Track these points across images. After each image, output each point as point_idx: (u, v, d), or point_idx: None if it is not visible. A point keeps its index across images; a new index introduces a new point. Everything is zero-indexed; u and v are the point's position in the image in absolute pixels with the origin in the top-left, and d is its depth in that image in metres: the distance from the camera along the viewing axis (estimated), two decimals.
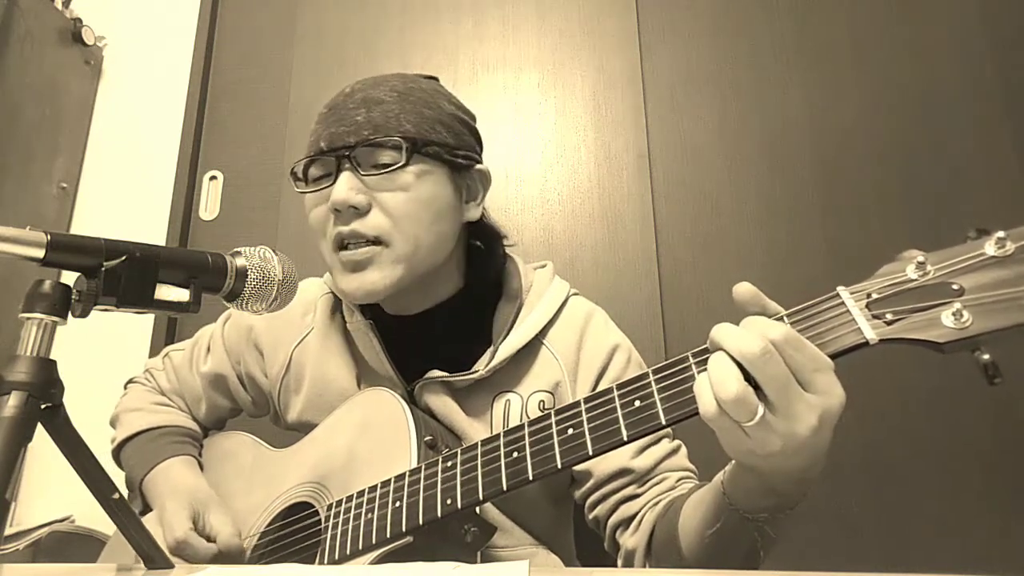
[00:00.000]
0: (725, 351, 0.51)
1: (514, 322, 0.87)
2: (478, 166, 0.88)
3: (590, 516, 0.83)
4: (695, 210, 1.67)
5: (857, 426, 1.47)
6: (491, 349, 0.85)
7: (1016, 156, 1.57)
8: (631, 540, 0.76)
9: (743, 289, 0.55)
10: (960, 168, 1.58)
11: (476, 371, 0.83)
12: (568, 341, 0.87)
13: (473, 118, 0.91)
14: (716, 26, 1.78)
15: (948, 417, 1.46)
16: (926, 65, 1.66)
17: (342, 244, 0.80)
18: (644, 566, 0.75)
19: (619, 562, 0.79)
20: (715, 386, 0.50)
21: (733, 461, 0.61)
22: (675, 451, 0.82)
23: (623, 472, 0.79)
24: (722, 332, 0.52)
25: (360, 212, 0.79)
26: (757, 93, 1.71)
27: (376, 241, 0.79)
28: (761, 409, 0.50)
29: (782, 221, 1.62)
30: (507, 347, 0.84)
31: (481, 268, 0.92)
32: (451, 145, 0.83)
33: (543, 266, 0.95)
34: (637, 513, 0.77)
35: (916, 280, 0.51)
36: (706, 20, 1.78)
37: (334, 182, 0.79)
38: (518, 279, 0.91)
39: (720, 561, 0.65)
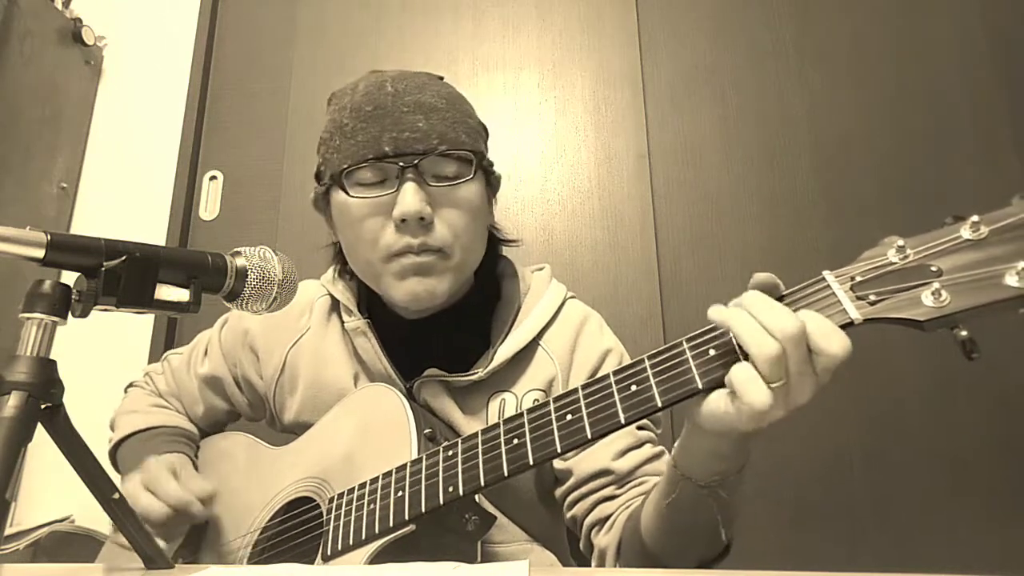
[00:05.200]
0: (769, 329, 0.52)
1: (512, 324, 0.88)
2: (496, 172, 0.91)
3: (568, 515, 0.83)
4: (695, 210, 1.67)
5: (857, 427, 1.47)
6: (490, 351, 0.86)
7: (1016, 156, 1.57)
8: (604, 539, 0.78)
9: (760, 278, 0.58)
10: (960, 168, 1.58)
11: (475, 373, 0.84)
12: (564, 343, 0.88)
13: None
14: (716, 26, 1.78)
15: (948, 418, 1.46)
16: (926, 65, 1.66)
17: (400, 252, 0.80)
18: (615, 565, 0.76)
19: (593, 562, 0.80)
20: (755, 346, 0.52)
21: (682, 434, 0.63)
22: (656, 456, 0.82)
23: (603, 473, 0.80)
24: (757, 305, 0.54)
25: (424, 223, 0.79)
26: (757, 93, 1.71)
27: (439, 251, 0.80)
28: (785, 377, 0.53)
29: (782, 221, 1.62)
30: (505, 350, 0.85)
31: (487, 270, 0.92)
32: (485, 154, 0.87)
33: (540, 269, 0.97)
34: (613, 514, 0.78)
35: (897, 263, 0.53)
36: (706, 20, 1.78)
37: (397, 190, 0.78)
38: (516, 281, 0.92)
39: (683, 534, 0.67)
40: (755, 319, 0.53)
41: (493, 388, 0.86)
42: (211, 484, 0.82)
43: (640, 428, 0.83)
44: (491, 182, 0.90)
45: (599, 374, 0.85)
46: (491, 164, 0.88)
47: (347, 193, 0.81)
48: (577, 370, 0.87)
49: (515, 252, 0.99)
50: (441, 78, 0.91)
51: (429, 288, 0.80)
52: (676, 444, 0.65)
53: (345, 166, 0.80)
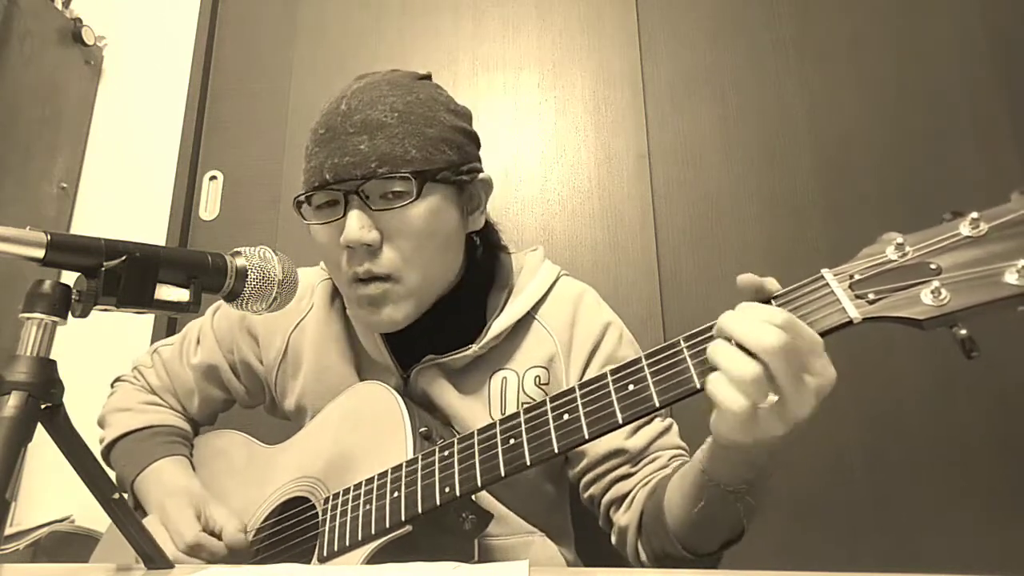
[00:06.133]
0: (742, 343, 0.53)
1: (506, 301, 0.88)
2: (480, 176, 0.87)
3: (584, 495, 0.84)
4: (695, 210, 1.67)
5: (858, 427, 1.47)
6: (485, 327, 0.86)
7: (1016, 156, 1.57)
8: (624, 518, 0.78)
9: (744, 280, 0.58)
10: (960, 168, 1.58)
11: (470, 348, 0.84)
12: (561, 318, 0.88)
13: (470, 119, 0.89)
14: (716, 26, 1.78)
15: (948, 418, 1.46)
16: (926, 65, 1.66)
17: (356, 278, 0.80)
18: (636, 542, 0.77)
19: (613, 539, 0.81)
20: (732, 370, 0.52)
21: (709, 440, 0.64)
22: (667, 430, 0.83)
23: (617, 452, 0.81)
24: (736, 324, 0.54)
25: (372, 249, 0.78)
26: (757, 93, 1.71)
27: (388, 277, 0.79)
28: (772, 395, 0.53)
29: (782, 221, 1.62)
30: (500, 323, 0.85)
31: (478, 263, 0.92)
32: (456, 163, 0.82)
33: (534, 250, 0.96)
34: (630, 492, 0.79)
35: (896, 261, 0.53)
36: (706, 20, 1.78)
37: (344, 215, 0.78)
38: (510, 264, 0.93)
39: (706, 531, 0.69)
40: (747, 316, 0.54)
41: (492, 366, 0.86)
42: (239, 523, 0.79)
43: None
44: (466, 191, 0.85)
45: (601, 347, 0.86)
46: (460, 172, 0.83)
47: (304, 219, 0.83)
48: (578, 345, 0.86)
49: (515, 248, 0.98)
50: (426, 77, 0.88)
51: (383, 320, 0.80)
52: (703, 450, 0.65)
53: (298, 194, 0.82)
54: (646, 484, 0.78)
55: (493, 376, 0.85)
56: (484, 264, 0.92)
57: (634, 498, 0.78)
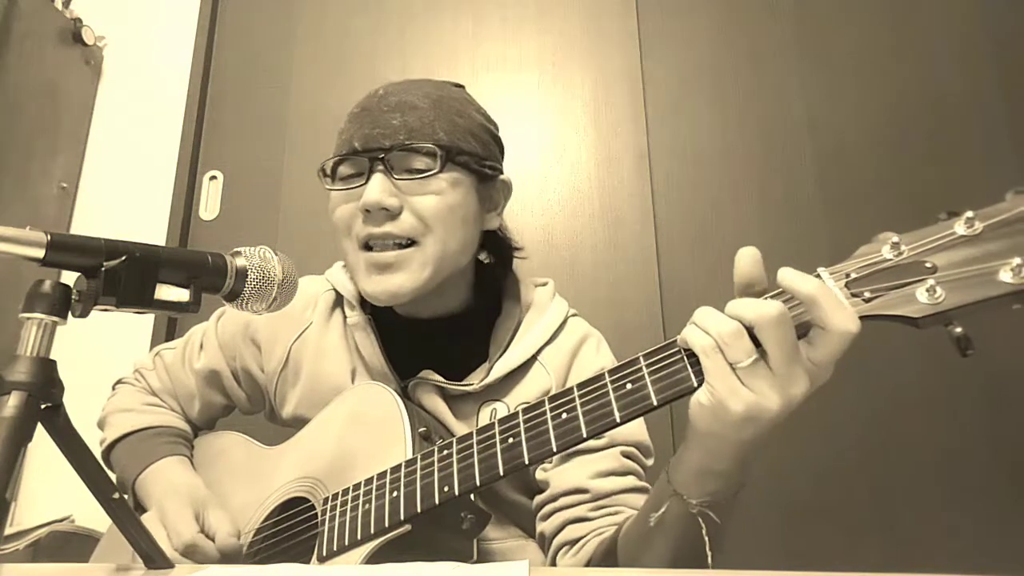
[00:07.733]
0: (741, 316, 0.53)
1: (511, 339, 0.88)
2: (501, 177, 0.90)
3: (538, 529, 0.82)
4: (695, 210, 1.67)
5: (857, 426, 1.47)
6: (487, 365, 0.86)
7: (1016, 156, 1.57)
8: (570, 563, 0.76)
9: (752, 254, 0.58)
10: (960, 168, 1.58)
11: (470, 384, 0.85)
12: (561, 359, 0.88)
13: (497, 128, 0.92)
14: (716, 26, 1.78)
15: (947, 417, 1.46)
16: (926, 65, 1.66)
17: (368, 245, 0.81)
18: None
19: None
20: (711, 325, 0.54)
21: (676, 454, 0.63)
22: (638, 490, 0.80)
23: (579, 490, 0.79)
24: (739, 301, 0.55)
25: (391, 214, 0.80)
26: (757, 94, 1.71)
27: (408, 243, 0.80)
28: (755, 353, 0.53)
29: (782, 221, 1.62)
30: (502, 366, 0.86)
31: (488, 282, 0.93)
32: (480, 155, 0.85)
33: (544, 284, 0.96)
34: (582, 537, 0.77)
35: (891, 260, 0.53)
36: (706, 20, 1.78)
37: (366, 182, 0.80)
38: (518, 296, 0.92)
39: (663, 561, 0.65)
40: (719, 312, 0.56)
41: (485, 397, 0.86)
42: (233, 528, 0.78)
43: (628, 457, 0.82)
44: (487, 183, 0.87)
45: None
46: (483, 165, 0.86)
47: (327, 187, 0.85)
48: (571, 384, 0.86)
49: (519, 261, 0.98)
50: (459, 86, 0.91)
51: (391, 285, 0.81)
52: (672, 459, 0.64)
53: (326, 159, 0.85)
54: (600, 534, 0.75)
55: (484, 406, 0.86)
56: (493, 285, 0.92)
57: (584, 546, 0.76)
